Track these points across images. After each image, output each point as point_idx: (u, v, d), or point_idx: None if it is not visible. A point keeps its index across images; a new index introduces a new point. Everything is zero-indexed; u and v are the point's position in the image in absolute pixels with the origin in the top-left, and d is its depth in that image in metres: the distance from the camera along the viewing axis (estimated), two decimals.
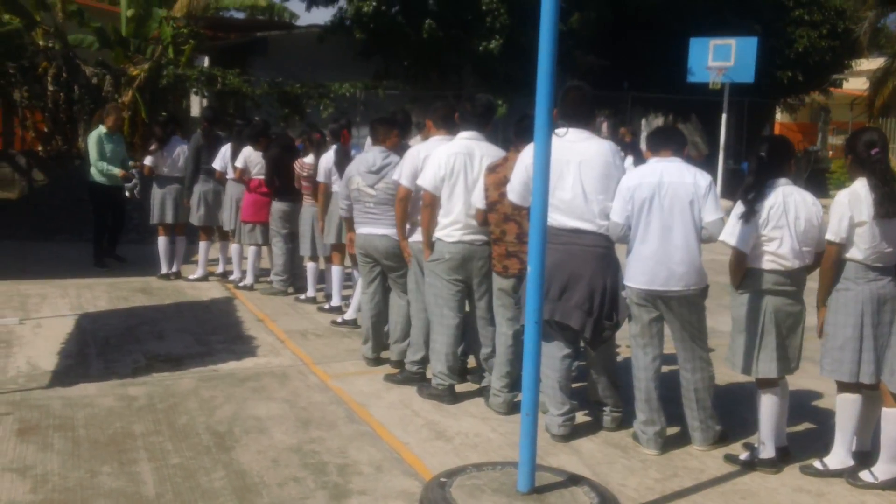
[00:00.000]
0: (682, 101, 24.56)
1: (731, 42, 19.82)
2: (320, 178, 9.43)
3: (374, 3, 20.67)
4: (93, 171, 11.77)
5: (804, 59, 25.70)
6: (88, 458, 5.48)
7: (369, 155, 7.69)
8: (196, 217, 11.38)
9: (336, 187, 9.12)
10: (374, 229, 7.50)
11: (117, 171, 11.63)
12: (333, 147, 9.43)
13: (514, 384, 6.45)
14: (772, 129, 32.94)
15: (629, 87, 24.29)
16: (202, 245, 11.53)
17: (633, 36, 23.15)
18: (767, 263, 5.46)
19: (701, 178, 5.73)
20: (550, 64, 4.32)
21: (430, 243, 6.77)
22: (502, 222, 6.37)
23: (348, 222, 8.10)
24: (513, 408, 6.44)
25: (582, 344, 6.25)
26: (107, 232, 12.30)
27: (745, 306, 5.57)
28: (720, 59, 19.85)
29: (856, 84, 34.60)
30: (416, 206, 7.01)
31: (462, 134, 6.80)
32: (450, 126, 7.05)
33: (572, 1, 19.61)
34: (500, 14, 20.13)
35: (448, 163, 6.60)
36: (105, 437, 5.86)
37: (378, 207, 7.46)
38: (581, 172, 5.84)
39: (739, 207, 5.48)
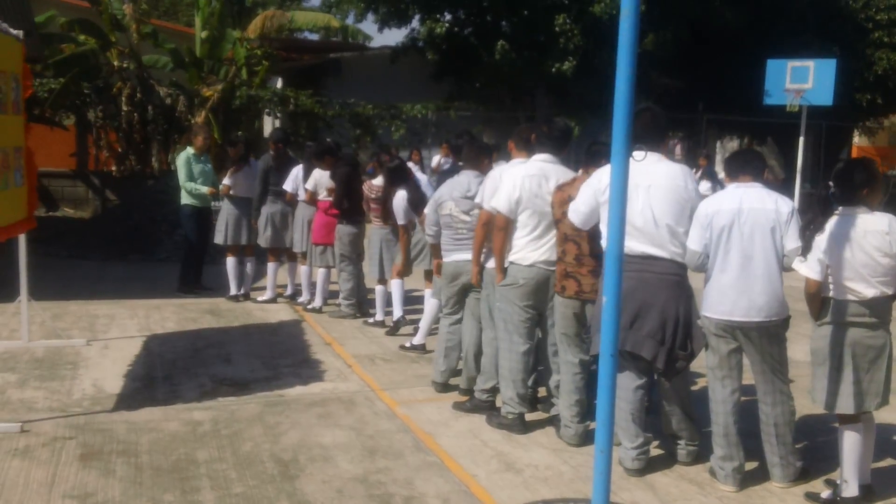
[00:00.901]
0: (758, 124, 24.15)
1: (810, 64, 19.36)
2: (400, 220, 9.27)
3: (447, 25, 20.66)
4: (183, 193, 11.56)
5: (884, 82, 25.17)
6: (151, 486, 5.39)
7: (462, 179, 7.54)
8: (263, 238, 11.30)
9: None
10: (467, 255, 7.29)
11: (205, 189, 11.44)
12: (403, 189, 9.25)
13: (584, 414, 6.30)
14: (849, 152, 32.32)
15: (704, 108, 23.96)
16: (270, 266, 11.47)
17: (709, 57, 22.87)
18: (841, 293, 5.21)
19: (783, 204, 5.50)
20: (628, 87, 4.12)
21: (502, 267, 6.61)
22: (563, 241, 6.25)
23: (435, 249, 7.93)
24: (585, 439, 6.26)
25: (655, 375, 6.03)
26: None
27: (823, 339, 5.31)
28: (798, 81, 19.38)
29: None
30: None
31: (537, 156, 6.65)
32: (531, 149, 6.89)
33: (648, 21, 19.39)
34: (573, 35, 19.95)
35: (522, 185, 6.45)
36: (168, 463, 5.77)
37: (470, 233, 7.28)
38: (650, 196, 5.65)
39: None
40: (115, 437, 6.23)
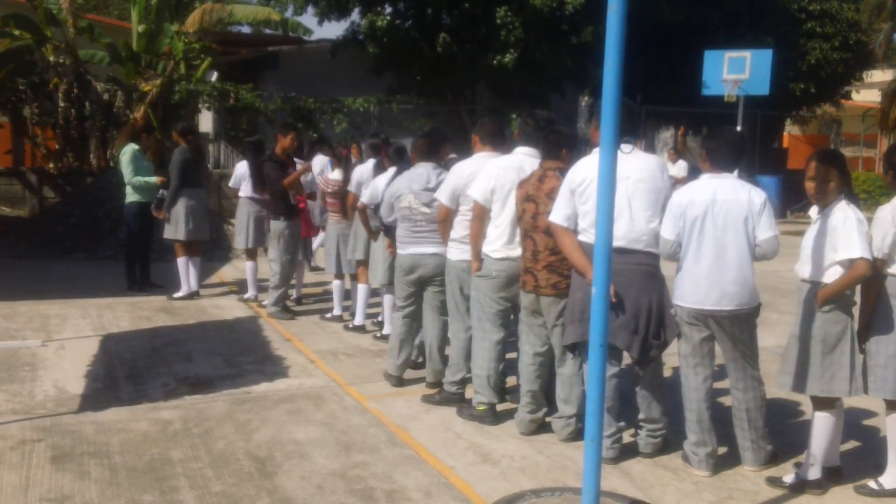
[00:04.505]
0: (695, 115, 24.43)
1: (747, 55, 19.65)
2: (352, 188, 9.27)
3: (388, 18, 20.57)
4: (129, 190, 11.40)
5: (816, 72, 25.69)
6: (128, 487, 5.31)
7: (421, 171, 7.52)
8: (184, 231, 11.11)
9: (364, 199, 8.93)
10: (424, 248, 7.34)
11: (155, 179, 11.31)
12: (372, 161, 9.30)
13: (536, 405, 6.40)
14: (781, 141, 32.83)
15: (643, 100, 24.19)
16: (181, 261, 11.32)
17: (647, 49, 23.12)
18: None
19: (755, 195, 5.57)
20: (616, 81, 4.16)
21: (478, 255, 6.63)
22: (523, 238, 6.29)
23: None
24: (536, 428, 6.41)
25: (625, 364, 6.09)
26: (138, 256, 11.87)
27: (839, 323, 5.32)
28: (735, 71, 19.65)
29: (867, 96, 34.49)
30: (452, 225, 6.93)
31: (519, 149, 6.67)
32: (496, 143, 6.90)
33: (588, 14, 19.53)
34: (514, 28, 20.01)
35: (498, 176, 6.48)
36: (143, 463, 5.69)
37: (430, 226, 7.31)
38: (628, 189, 5.69)
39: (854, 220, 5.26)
40: (84, 438, 6.12)
